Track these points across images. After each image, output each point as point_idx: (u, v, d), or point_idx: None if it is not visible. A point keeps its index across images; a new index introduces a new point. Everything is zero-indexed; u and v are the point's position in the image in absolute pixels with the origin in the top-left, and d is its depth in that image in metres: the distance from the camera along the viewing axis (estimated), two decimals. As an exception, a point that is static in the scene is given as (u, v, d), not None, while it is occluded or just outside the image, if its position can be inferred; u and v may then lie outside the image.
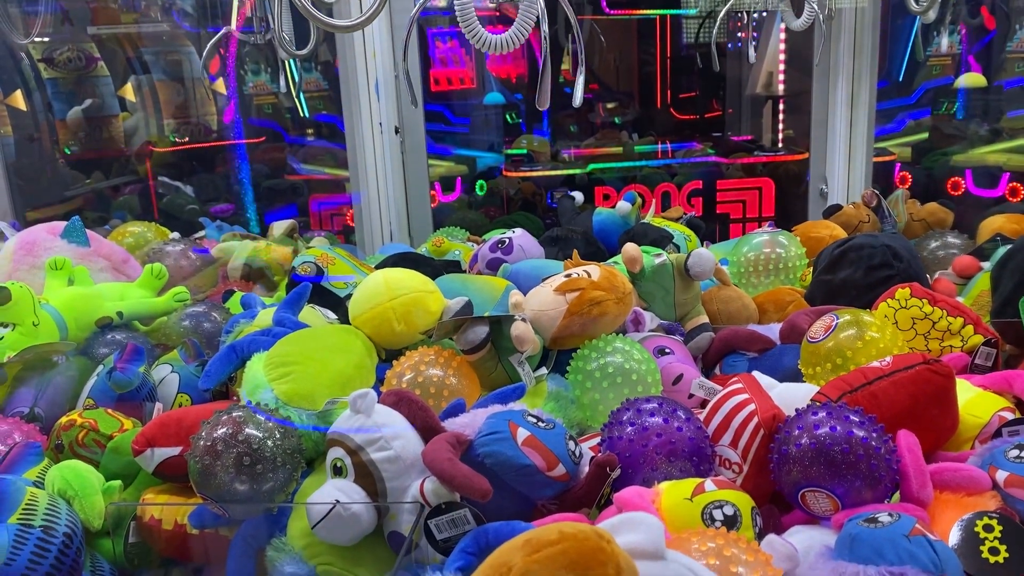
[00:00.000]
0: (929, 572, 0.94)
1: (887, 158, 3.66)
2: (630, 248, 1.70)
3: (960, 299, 1.85)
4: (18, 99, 3.76)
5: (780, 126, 4.14)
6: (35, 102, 3.83)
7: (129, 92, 4.13)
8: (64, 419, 1.38)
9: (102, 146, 4.00)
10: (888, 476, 1.12)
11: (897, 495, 1.15)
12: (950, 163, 3.49)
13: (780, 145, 4.09)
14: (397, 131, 2.92)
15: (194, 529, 1.28)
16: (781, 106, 4.12)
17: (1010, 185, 3.27)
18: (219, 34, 2.73)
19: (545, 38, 1.73)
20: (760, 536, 1.09)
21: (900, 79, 3.84)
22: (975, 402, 1.35)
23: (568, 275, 1.56)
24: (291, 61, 3.76)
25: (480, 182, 4.02)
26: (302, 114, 4.11)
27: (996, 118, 3.54)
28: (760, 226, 3.08)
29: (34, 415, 1.51)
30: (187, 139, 4.12)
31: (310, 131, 4.16)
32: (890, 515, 1.01)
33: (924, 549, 0.96)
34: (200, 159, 4.11)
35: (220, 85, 4.20)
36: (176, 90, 4.18)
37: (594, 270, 1.55)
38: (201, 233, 2.76)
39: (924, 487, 1.12)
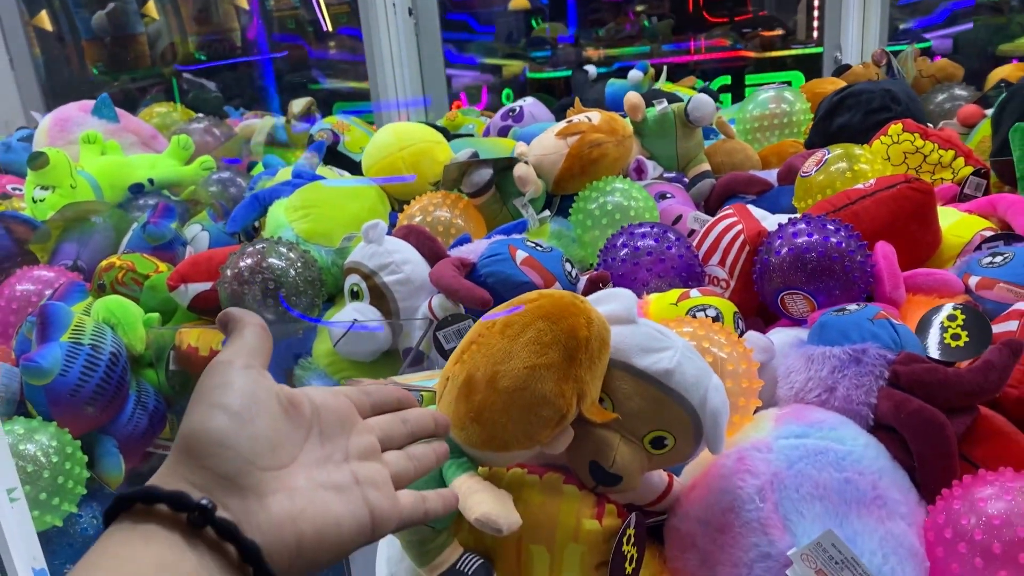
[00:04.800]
0: (889, 348, 1.02)
1: (921, 44, 3.57)
2: (632, 96, 1.75)
3: (963, 146, 1.88)
4: (44, 20, 3.82)
5: (815, 23, 4.05)
6: (60, 22, 3.89)
7: (152, 10, 4.16)
8: (104, 262, 1.50)
9: (128, 65, 4.07)
10: (862, 278, 1.19)
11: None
12: (994, 53, 3.40)
13: (815, 39, 4.00)
14: (411, 12, 2.94)
15: (228, 354, 1.40)
16: (815, 2, 4.02)
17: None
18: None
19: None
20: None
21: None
22: (959, 224, 1.40)
23: (570, 120, 1.62)
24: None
25: (507, 91, 4.01)
26: (326, 27, 4.11)
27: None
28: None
29: (77, 267, 1.63)
30: (212, 56, 4.17)
31: (331, 44, 4.18)
32: (857, 305, 1.09)
33: (886, 329, 1.04)
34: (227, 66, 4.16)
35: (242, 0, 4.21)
36: (198, 4, 4.21)
37: (595, 115, 1.61)
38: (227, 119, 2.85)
39: (896, 288, 1.19)
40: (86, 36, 4.04)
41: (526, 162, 1.55)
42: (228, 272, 1.32)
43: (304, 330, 1.37)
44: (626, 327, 0.89)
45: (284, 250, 1.35)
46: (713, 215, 1.79)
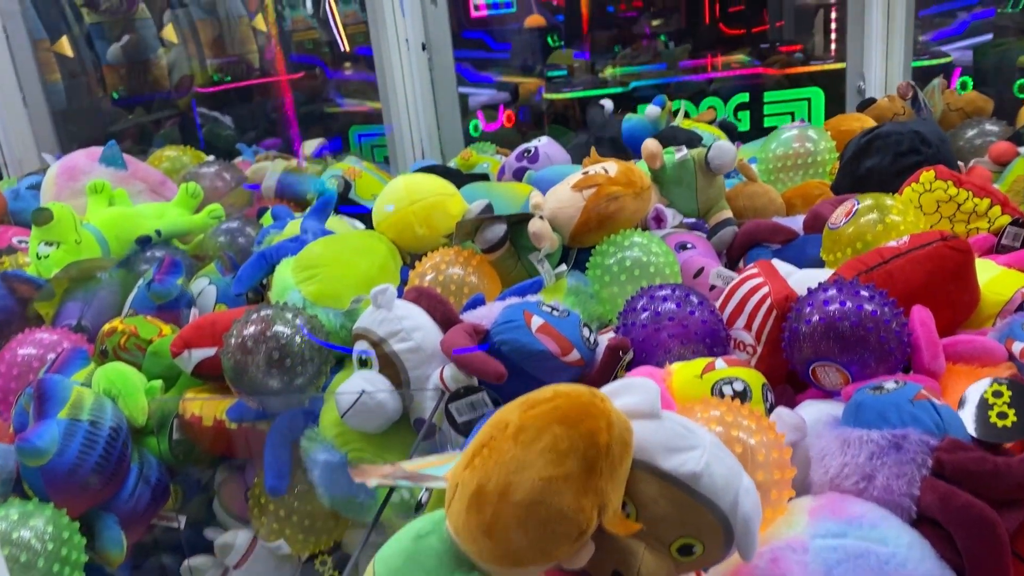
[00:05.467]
0: (931, 433, 0.95)
1: (942, 60, 3.51)
2: (650, 144, 1.69)
3: (996, 186, 1.81)
4: (64, 46, 3.83)
5: (832, 36, 3.99)
6: (80, 48, 3.90)
7: (171, 33, 4.16)
8: (107, 327, 1.46)
9: (146, 89, 4.08)
10: (899, 349, 1.12)
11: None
12: (1016, 62, 3.32)
13: (833, 55, 3.95)
14: (424, 47, 2.91)
15: (232, 424, 1.35)
16: (833, 14, 3.97)
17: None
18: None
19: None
20: (771, 411, 1.11)
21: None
22: (998, 279, 1.33)
23: (585, 172, 1.56)
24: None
25: (507, 111, 3.95)
26: (343, 48, 4.10)
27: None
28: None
29: (81, 327, 1.59)
30: (229, 78, 4.16)
31: (348, 65, 4.17)
32: (896, 383, 1.02)
33: (928, 412, 0.97)
34: (243, 96, 4.16)
35: (260, 22, 4.21)
36: (216, 28, 4.21)
37: (611, 166, 1.56)
38: (239, 159, 2.81)
39: (936, 358, 1.12)
40: (105, 62, 4.05)
41: (541, 216, 1.49)
42: (232, 341, 1.27)
43: (310, 399, 1.31)
44: (649, 422, 0.83)
45: (290, 316, 1.30)
46: (735, 264, 1.73)
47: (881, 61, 2.79)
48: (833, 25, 3.95)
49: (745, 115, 3.73)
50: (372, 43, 2.89)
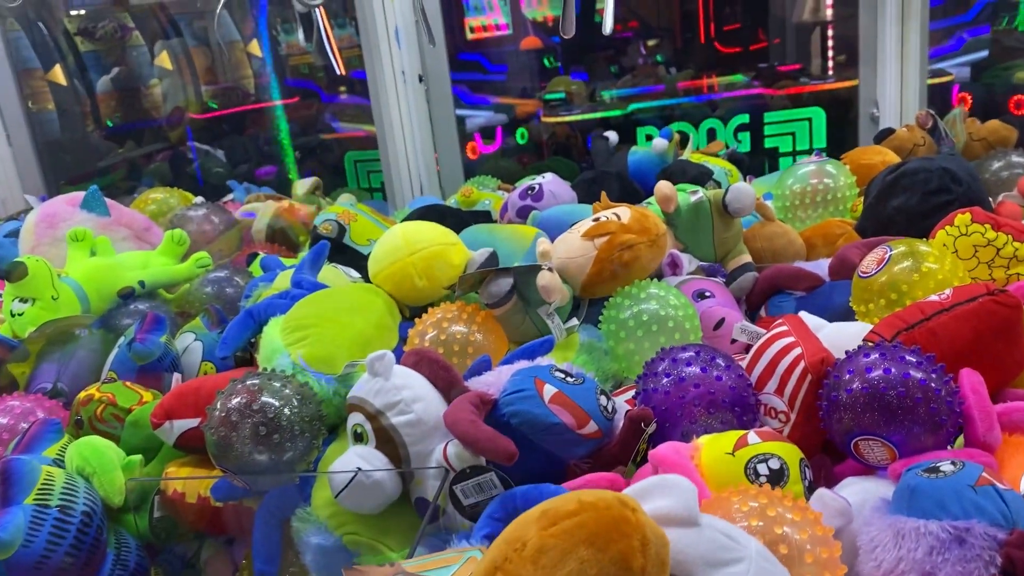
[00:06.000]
0: (998, 525, 0.84)
1: (944, 79, 3.45)
2: (663, 186, 1.59)
3: (1026, 222, 1.71)
4: (58, 74, 3.75)
5: (830, 53, 3.93)
6: (73, 76, 3.83)
7: (165, 61, 4.09)
8: (82, 394, 1.35)
9: (139, 116, 4.00)
10: (950, 420, 1.02)
11: (961, 440, 1.05)
12: (1013, 80, 3.27)
13: (831, 72, 3.89)
14: (421, 79, 2.82)
15: (217, 502, 1.24)
16: (830, 32, 3.91)
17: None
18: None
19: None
20: (810, 490, 1.01)
21: (955, -6, 3.61)
22: (1046, 334, 1.23)
23: (597, 219, 1.46)
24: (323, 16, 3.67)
25: (521, 129, 3.89)
26: (339, 72, 4.03)
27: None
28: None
29: (57, 390, 1.48)
30: (224, 104, 4.09)
31: (343, 88, 4.09)
32: (953, 463, 0.92)
33: (993, 500, 0.86)
34: (237, 123, 4.08)
35: (254, 47, 4.14)
36: (209, 56, 4.14)
37: (624, 212, 1.46)
38: (230, 196, 2.72)
39: (991, 430, 1.02)
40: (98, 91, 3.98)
41: (550, 268, 1.39)
42: (215, 414, 1.16)
43: (301, 476, 1.20)
44: (687, 531, 0.73)
45: (278, 385, 1.19)
46: (756, 312, 1.63)
47: (895, 85, 2.70)
48: (830, 43, 3.90)
49: (745, 136, 3.67)
50: (367, 75, 2.80)
